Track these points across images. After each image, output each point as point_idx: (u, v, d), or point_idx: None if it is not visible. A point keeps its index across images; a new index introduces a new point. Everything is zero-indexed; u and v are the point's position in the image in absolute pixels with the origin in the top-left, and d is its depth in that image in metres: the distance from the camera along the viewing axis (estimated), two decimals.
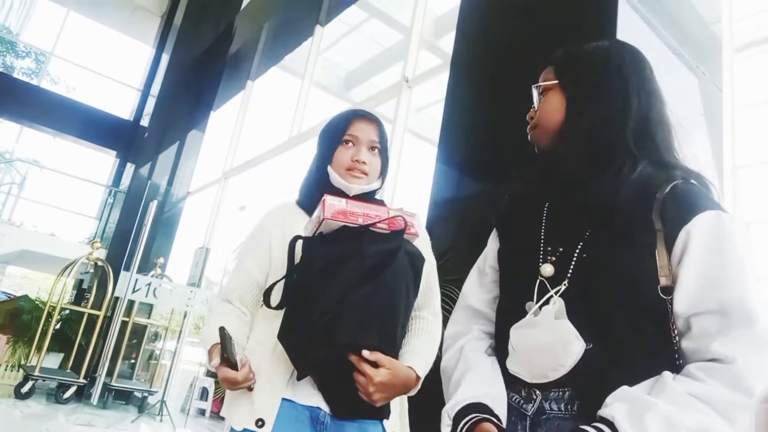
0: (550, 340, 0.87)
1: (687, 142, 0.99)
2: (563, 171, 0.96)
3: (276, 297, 1.22)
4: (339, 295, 1.11)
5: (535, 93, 1.05)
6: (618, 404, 0.78)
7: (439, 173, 2.76)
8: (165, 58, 10.46)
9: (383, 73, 7.15)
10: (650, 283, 0.85)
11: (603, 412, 0.78)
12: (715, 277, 0.82)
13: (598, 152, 0.93)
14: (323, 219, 1.15)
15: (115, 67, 12.50)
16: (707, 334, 0.81)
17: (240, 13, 7.54)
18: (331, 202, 1.17)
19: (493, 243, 1.12)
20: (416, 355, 1.23)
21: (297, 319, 1.15)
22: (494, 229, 1.14)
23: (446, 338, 1.09)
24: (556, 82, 1.01)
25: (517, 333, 0.93)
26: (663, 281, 0.85)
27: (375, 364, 1.09)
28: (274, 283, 1.24)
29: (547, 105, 1.02)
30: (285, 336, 1.16)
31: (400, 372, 1.14)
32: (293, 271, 1.20)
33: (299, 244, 1.21)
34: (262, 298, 1.34)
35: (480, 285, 1.11)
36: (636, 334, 0.85)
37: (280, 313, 1.21)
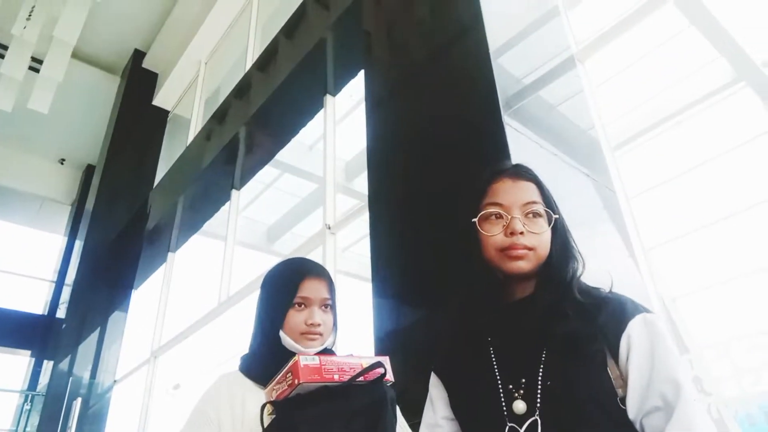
0: None
1: None
2: (548, 289, 0.98)
3: None
4: None
5: (520, 207, 1.02)
6: None
7: (378, 308, 2.76)
8: (78, 245, 10.18)
9: (304, 222, 7.31)
10: (611, 396, 0.87)
11: None
12: (654, 375, 0.86)
13: (578, 283, 0.99)
14: (300, 383, 1.08)
15: (24, 261, 11.94)
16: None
17: (153, 190, 7.63)
18: (305, 362, 1.10)
19: (438, 392, 1.09)
20: None
21: None
22: (434, 377, 1.11)
23: None
24: (553, 214, 1.03)
25: None
26: (620, 392, 0.88)
27: None
28: None
29: (544, 232, 1.02)
30: None
31: None
32: None
33: (267, 409, 1.13)
34: None
35: None
36: None
37: None
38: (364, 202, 3.31)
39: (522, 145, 2.38)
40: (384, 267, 2.86)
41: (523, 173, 1.08)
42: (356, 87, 4.08)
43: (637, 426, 0.86)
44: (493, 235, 1.02)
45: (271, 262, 1.64)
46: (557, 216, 1.04)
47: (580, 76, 3.02)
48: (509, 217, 1.01)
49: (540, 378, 0.91)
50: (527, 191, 1.04)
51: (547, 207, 1.04)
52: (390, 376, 1.19)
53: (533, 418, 0.88)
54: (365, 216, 3.19)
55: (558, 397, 0.88)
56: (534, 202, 1.03)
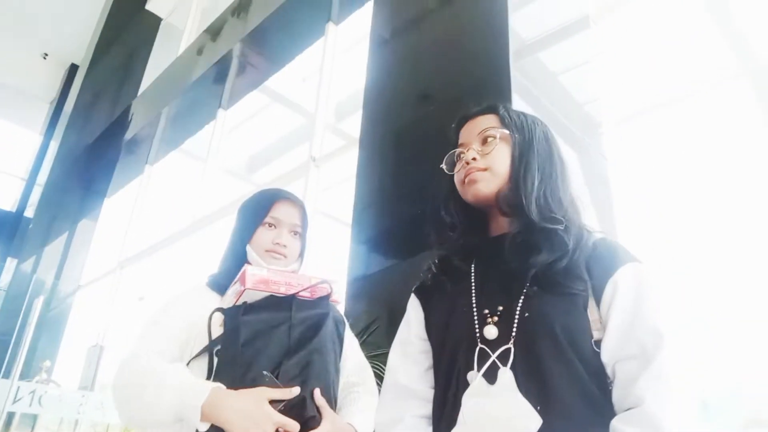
0: (508, 414, 0.85)
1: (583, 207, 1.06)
2: (518, 222, 0.96)
3: (197, 372, 1.14)
4: (272, 366, 1.09)
5: (476, 138, 1.03)
6: None
7: (355, 250, 2.76)
8: (54, 146, 9.92)
9: (287, 156, 7.19)
10: (586, 338, 0.87)
11: None
12: (637, 322, 0.85)
13: (544, 210, 0.96)
14: (245, 289, 1.13)
15: None
16: (629, 379, 0.82)
17: (137, 99, 7.39)
18: (252, 271, 1.16)
19: (415, 311, 1.08)
20: (354, 415, 1.21)
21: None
22: (413, 297, 1.11)
23: (378, 426, 1.02)
24: (507, 132, 1.02)
25: (471, 403, 0.88)
26: (596, 335, 0.87)
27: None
28: (192, 359, 1.16)
29: (499, 152, 1.01)
30: None
31: (338, 421, 1.13)
32: (215, 344, 1.13)
33: (217, 317, 1.16)
34: None
35: (406, 357, 1.05)
36: (580, 394, 0.84)
37: None
38: (350, 143, 3.25)
39: (524, 107, 2.34)
40: (366, 210, 2.85)
41: (484, 109, 1.08)
42: (360, 20, 3.94)
43: (609, 370, 0.86)
44: (456, 171, 1.04)
45: (248, 191, 1.62)
46: (514, 134, 1.02)
47: (588, 43, 2.95)
48: (466, 151, 1.03)
49: (519, 309, 0.90)
50: (483, 122, 1.05)
51: (507, 129, 1.02)
52: (337, 297, 1.26)
53: (507, 346, 0.88)
54: (348, 156, 3.14)
55: (534, 330, 0.88)
56: (488, 128, 1.03)
